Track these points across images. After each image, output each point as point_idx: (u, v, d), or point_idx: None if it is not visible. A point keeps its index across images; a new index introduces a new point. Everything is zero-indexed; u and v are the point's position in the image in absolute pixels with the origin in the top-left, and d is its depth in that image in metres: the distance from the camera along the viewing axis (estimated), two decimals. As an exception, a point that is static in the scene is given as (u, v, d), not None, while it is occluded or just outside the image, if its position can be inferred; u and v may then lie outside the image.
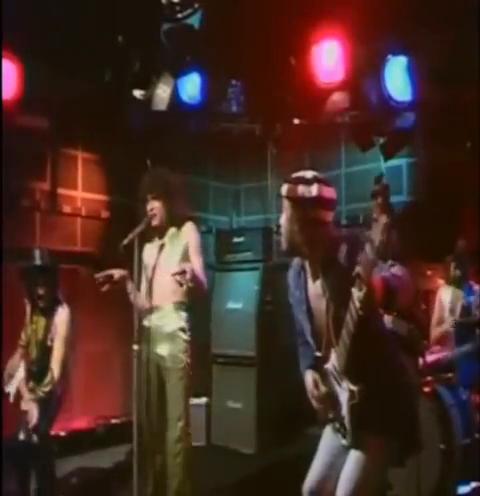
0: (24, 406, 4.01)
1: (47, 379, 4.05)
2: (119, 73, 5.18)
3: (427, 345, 4.64)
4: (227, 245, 6.32)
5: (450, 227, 4.88)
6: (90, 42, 4.72)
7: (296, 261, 2.76)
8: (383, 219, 2.27)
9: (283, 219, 2.65)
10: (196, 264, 3.82)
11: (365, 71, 4.77)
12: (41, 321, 4.17)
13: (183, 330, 3.87)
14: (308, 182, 2.62)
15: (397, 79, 4.69)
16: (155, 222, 3.97)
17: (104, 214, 6.10)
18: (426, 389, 4.20)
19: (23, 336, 4.21)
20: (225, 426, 5.86)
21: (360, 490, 2.47)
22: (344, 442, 2.59)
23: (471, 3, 4.05)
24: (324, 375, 2.67)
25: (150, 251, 4.06)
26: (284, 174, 7.07)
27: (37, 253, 4.21)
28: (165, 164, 4.27)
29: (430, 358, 4.54)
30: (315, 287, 2.63)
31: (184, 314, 3.89)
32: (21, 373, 4.12)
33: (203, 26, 4.65)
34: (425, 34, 4.44)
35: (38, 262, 4.16)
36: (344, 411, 2.54)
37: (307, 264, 2.68)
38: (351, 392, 2.47)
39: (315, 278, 2.64)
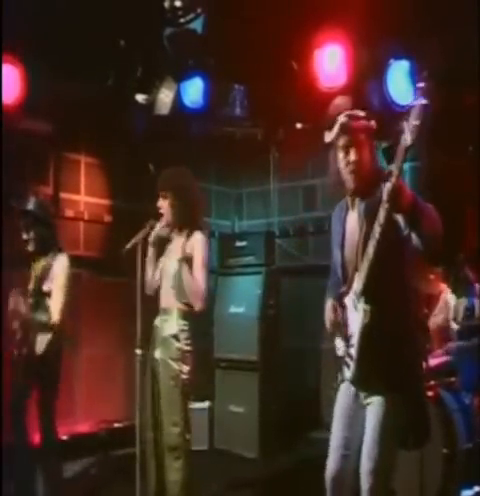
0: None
1: (45, 317, 3.97)
2: (122, 77, 5.19)
3: (429, 349, 4.63)
4: (229, 249, 6.33)
5: (452, 231, 4.88)
6: (93, 46, 4.73)
7: (342, 202, 2.90)
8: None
9: (354, 156, 2.72)
10: (199, 279, 3.70)
11: (367, 75, 4.77)
12: (38, 267, 4.11)
13: (176, 337, 3.73)
14: (367, 117, 2.75)
15: (399, 83, 4.70)
16: (162, 222, 3.87)
17: (107, 218, 6.11)
18: (429, 393, 4.19)
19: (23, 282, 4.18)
20: (228, 430, 5.87)
21: (384, 445, 2.59)
22: (348, 375, 2.70)
23: (472, 6, 4.05)
24: (343, 308, 2.80)
25: (165, 253, 3.97)
26: (286, 178, 7.14)
27: (32, 199, 4.18)
28: (167, 167, 4.17)
29: (433, 362, 4.54)
30: (352, 220, 2.79)
31: (182, 321, 3.76)
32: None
33: (205, 31, 4.67)
34: (427, 38, 4.44)
35: (29, 207, 4.12)
36: (354, 339, 2.65)
37: (349, 199, 2.82)
38: (364, 312, 2.60)
39: (354, 208, 2.79)
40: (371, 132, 2.75)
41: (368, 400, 2.69)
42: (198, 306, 3.71)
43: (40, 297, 4.03)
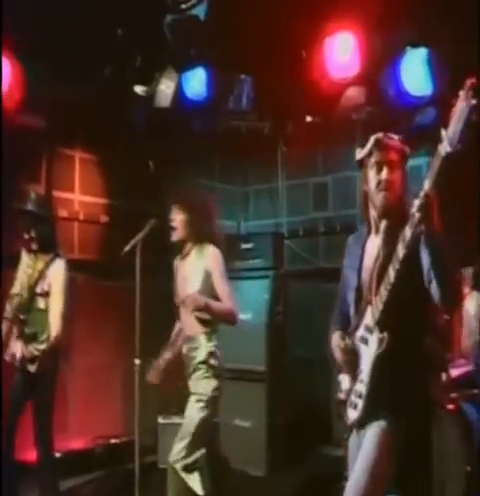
0: (13, 347, 4.08)
1: (43, 336, 4.07)
2: (119, 68, 5.20)
3: (450, 359, 4.60)
4: (235, 252, 6.26)
5: (474, 228, 4.85)
6: (89, 35, 4.75)
7: (362, 228, 2.95)
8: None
9: (387, 174, 2.74)
10: (223, 294, 3.83)
11: (382, 64, 4.76)
12: (37, 266, 4.21)
13: (205, 362, 3.85)
14: (402, 141, 2.80)
15: (416, 72, 4.67)
16: (174, 236, 3.95)
17: (103, 219, 6.11)
18: (450, 406, 4.16)
19: (16, 283, 4.27)
20: (232, 446, 5.81)
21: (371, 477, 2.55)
22: (354, 416, 2.69)
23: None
24: (352, 342, 2.79)
25: (177, 271, 4.05)
26: (295, 175, 7.12)
27: (32, 197, 4.28)
28: (170, 165, 4.26)
29: (454, 373, 4.50)
30: (374, 244, 2.81)
31: (210, 343, 3.88)
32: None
33: (209, 17, 4.68)
34: (444, 23, 4.40)
35: (29, 207, 4.22)
36: (364, 374, 2.65)
37: (374, 223, 2.85)
38: (380, 340, 2.60)
39: (378, 232, 2.82)
40: (405, 155, 2.79)
41: (367, 428, 2.67)
42: (234, 322, 3.87)
43: (32, 298, 4.14)
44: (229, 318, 3.87)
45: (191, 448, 3.69)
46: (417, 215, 2.42)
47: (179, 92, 5.41)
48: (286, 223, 7.04)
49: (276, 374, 5.84)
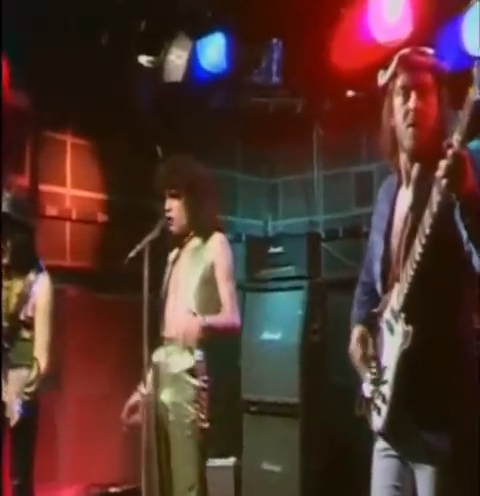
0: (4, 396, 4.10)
1: (32, 375, 4.09)
2: (119, 34, 5.25)
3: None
4: (261, 257, 6.32)
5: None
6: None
7: (393, 175, 2.85)
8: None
9: (416, 102, 2.60)
10: (226, 297, 3.87)
11: (440, 24, 4.77)
12: (15, 288, 4.21)
13: (191, 372, 3.82)
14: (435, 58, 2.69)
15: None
16: (173, 227, 3.97)
17: (101, 218, 6.10)
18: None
19: None
20: (260, 494, 5.81)
21: None
22: (378, 423, 2.62)
23: None
24: (376, 333, 2.75)
25: (168, 265, 4.11)
26: (334, 163, 7.09)
27: (7, 196, 4.26)
28: (182, 152, 4.29)
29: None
30: (406, 199, 2.70)
31: (199, 352, 3.84)
32: None
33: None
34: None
35: (6, 210, 4.19)
36: (389, 373, 2.58)
37: (404, 170, 2.73)
38: (405, 334, 2.50)
39: (409, 183, 2.71)
40: (441, 75, 2.66)
41: (414, 466, 2.59)
42: (233, 331, 3.93)
43: (15, 328, 4.18)
44: (231, 332, 3.93)
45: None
46: (444, 181, 2.29)
47: (193, 63, 5.46)
48: (323, 221, 6.97)
49: (313, 407, 5.82)
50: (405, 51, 2.66)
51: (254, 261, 6.35)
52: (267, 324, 6.05)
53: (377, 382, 2.66)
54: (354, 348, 2.87)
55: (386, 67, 2.66)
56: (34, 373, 4.09)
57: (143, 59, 5.44)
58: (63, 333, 4.54)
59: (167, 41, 5.44)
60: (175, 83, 5.49)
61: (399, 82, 2.63)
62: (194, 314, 3.82)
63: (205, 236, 3.96)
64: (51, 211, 5.73)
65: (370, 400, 2.70)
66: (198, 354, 3.82)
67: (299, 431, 5.74)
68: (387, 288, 2.70)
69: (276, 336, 5.98)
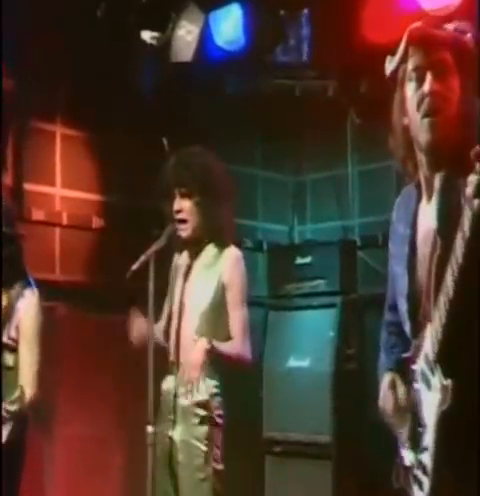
0: None
1: (16, 393, 4.03)
2: (119, 6, 5.35)
3: None
4: (286, 269, 6.38)
5: None
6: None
7: (409, 186, 2.75)
8: None
9: (432, 84, 2.46)
10: (235, 323, 3.97)
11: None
12: None
13: (204, 406, 3.87)
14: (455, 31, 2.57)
15: None
16: (183, 232, 4.01)
17: (97, 223, 6.07)
18: None
19: None
20: None
21: None
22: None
23: None
24: (408, 382, 2.67)
25: (177, 278, 4.15)
26: (371, 157, 7.03)
27: None
28: (193, 144, 4.30)
29: None
30: (428, 217, 2.57)
31: (213, 382, 3.91)
32: None
33: None
34: None
35: None
36: (428, 437, 2.47)
37: (424, 177, 2.60)
38: (444, 389, 2.39)
39: (431, 195, 2.58)
40: (464, 53, 2.50)
41: None
42: (243, 362, 3.97)
43: None
44: (238, 363, 3.99)
45: None
46: (476, 202, 2.14)
47: (205, 39, 5.52)
48: (358, 226, 6.99)
49: (346, 448, 5.89)
50: (416, 25, 2.51)
51: (278, 274, 6.42)
52: (293, 349, 6.11)
53: (416, 449, 2.56)
54: (385, 397, 2.77)
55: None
56: (18, 393, 4.00)
57: (146, 35, 5.50)
58: (52, 359, 4.54)
59: (175, 13, 5.51)
60: (184, 63, 5.54)
61: (411, 65, 2.50)
62: (195, 341, 3.88)
63: (220, 246, 4.02)
64: (38, 215, 5.73)
65: (409, 470, 2.61)
66: (212, 384, 3.88)
67: (331, 475, 5.80)
68: (418, 330, 2.58)
69: (304, 363, 6.02)
